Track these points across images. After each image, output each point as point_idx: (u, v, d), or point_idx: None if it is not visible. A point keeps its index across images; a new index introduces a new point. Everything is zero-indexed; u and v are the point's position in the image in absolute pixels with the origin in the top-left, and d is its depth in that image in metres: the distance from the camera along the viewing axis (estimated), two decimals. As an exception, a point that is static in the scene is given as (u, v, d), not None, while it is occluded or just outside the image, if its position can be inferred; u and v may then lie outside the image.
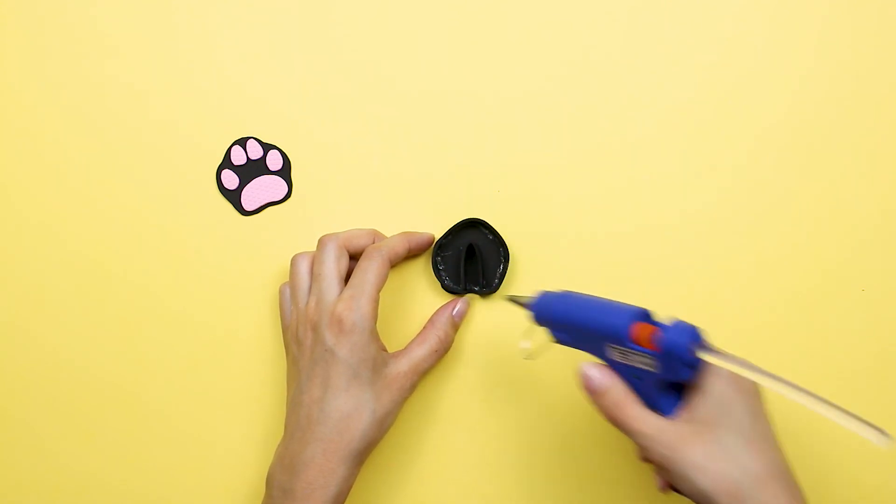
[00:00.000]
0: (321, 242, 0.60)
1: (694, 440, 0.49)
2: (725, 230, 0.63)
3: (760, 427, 0.50)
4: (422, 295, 0.63)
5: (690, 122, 0.64)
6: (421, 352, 0.59)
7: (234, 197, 0.64)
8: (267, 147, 0.64)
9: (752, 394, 0.51)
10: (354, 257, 0.60)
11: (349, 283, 0.58)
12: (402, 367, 0.58)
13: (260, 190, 0.64)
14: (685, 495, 0.50)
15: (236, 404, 0.64)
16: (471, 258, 0.63)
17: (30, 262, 0.65)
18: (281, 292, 0.62)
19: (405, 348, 0.60)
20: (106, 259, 0.65)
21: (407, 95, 0.65)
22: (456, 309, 0.62)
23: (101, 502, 0.64)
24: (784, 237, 0.63)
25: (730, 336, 0.63)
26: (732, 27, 0.64)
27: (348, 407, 0.56)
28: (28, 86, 0.65)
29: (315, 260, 0.59)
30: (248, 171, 0.64)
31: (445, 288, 0.63)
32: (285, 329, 0.61)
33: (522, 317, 0.63)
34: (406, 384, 0.58)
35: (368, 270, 0.58)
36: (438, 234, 0.63)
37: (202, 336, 0.64)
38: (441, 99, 0.64)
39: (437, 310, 0.62)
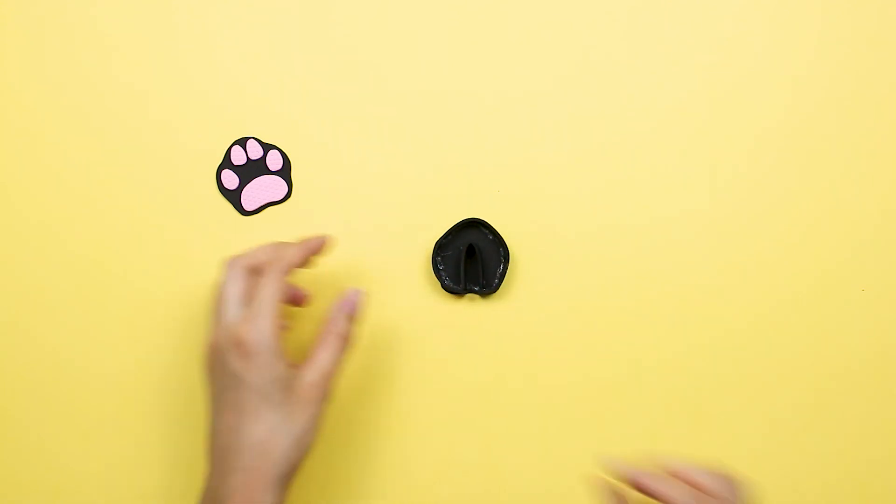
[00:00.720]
0: (223, 266, 0.58)
1: None
2: (725, 230, 0.63)
3: None
4: (422, 295, 0.63)
5: (690, 122, 0.64)
6: (325, 356, 0.57)
7: (234, 197, 0.64)
8: (267, 147, 0.64)
9: None
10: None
11: (249, 304, 0.56)
12: (311, 377, 0.56)
13: (260, 190, 0.64)
14: None
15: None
16: (471, 258, 0.63)
17: (30, 262, 0.65)
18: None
19: (310, 357, 0.57)
20: (106, 259, 0.64)
21: (407, 95, 0.65)
22: (346, 301, 0.59)
23: (100, 502, 0.64)
24: (784, 237, 0.63)
25: (729, 335, 0.63)
26: (732, 27, 0.64)
27: (263, 432, 0.54)
28: (28, 86, 0.65)
29: (218, 285, 0.58)
30: (248, 171, 0.64)
31: (445, 288, 0.63)
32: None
33: (522, 317, 0.63)
34: (319, 395, 0.56)
35: (264, 288, 0.56)
36: (438, 235, 0.63)
37: (202, 336, 0.64)
38: (441, 99, 0.64)
39: (332, 305, 0.59)
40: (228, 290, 0.57)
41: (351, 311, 0.58)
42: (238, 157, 0.64)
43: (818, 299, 0.63)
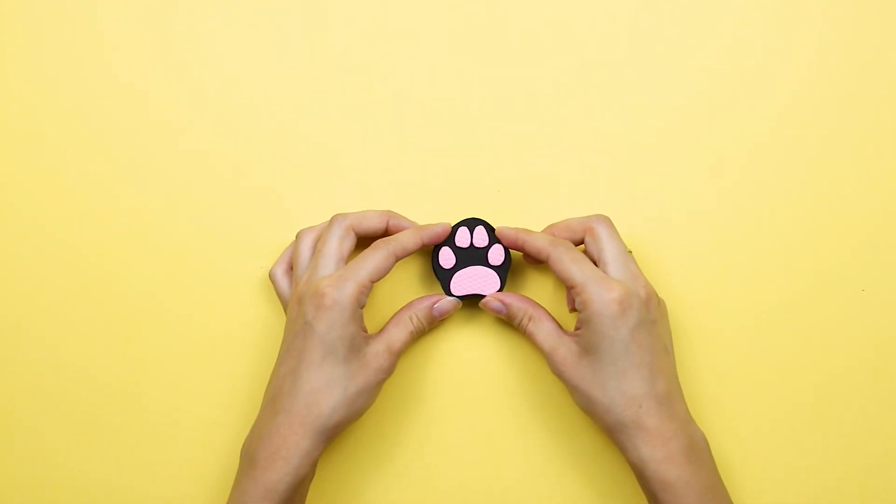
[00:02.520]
0: (331, 221, 0.60)
1: (576, 362, 0.57)
2: (726, 231, 0.63)
3: (637, 358, 0.56)
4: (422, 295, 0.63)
5: (691, 123, 0.64)
6: (396, 332, 0.59)
7: (445, 277, 0.61)
8: (493, 239, 0.61)
9: (633, 328, 0.56)
10: (366, 238, 0.60)
11: (346, 265, 0.58)
12: (378, 346, 0.58)
13: (469, 279, 0.61)
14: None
15: (236, 405, 0.64)
16: (471, 258, 0.63)
17: (30, 262, 0.65)
18: (272, 276, 0.62)
19: (381, 329, 0.60)
20: (105, 259, 0.64)
21: (407, 96, 0.65)
22: (437, 304, 0.61)
23: (100, 502, 0.64)
24: (784, 237, 0.63)
25: (730, 335, 0.63)
26: (732, 29, 0.64)
27: (319, 382, 0.56)
28: (28, 86, 0.65)
29: (321, 237, 0.60)
30: (465, 256, 0.61)
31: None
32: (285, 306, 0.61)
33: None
34: (383, 364, 0.58)
35: (368, 258, 0.57)
36: (439, 235, 0.63)
37: (201, 336, 0.64)
38: (441, 100, 0.64)
39: (419, 298, 0.61)
40: (328, 246, 0.59)
41: (435, 313, 0.61)
42: (462, 240, 0.61)
43: (818, 299, 0.63)
